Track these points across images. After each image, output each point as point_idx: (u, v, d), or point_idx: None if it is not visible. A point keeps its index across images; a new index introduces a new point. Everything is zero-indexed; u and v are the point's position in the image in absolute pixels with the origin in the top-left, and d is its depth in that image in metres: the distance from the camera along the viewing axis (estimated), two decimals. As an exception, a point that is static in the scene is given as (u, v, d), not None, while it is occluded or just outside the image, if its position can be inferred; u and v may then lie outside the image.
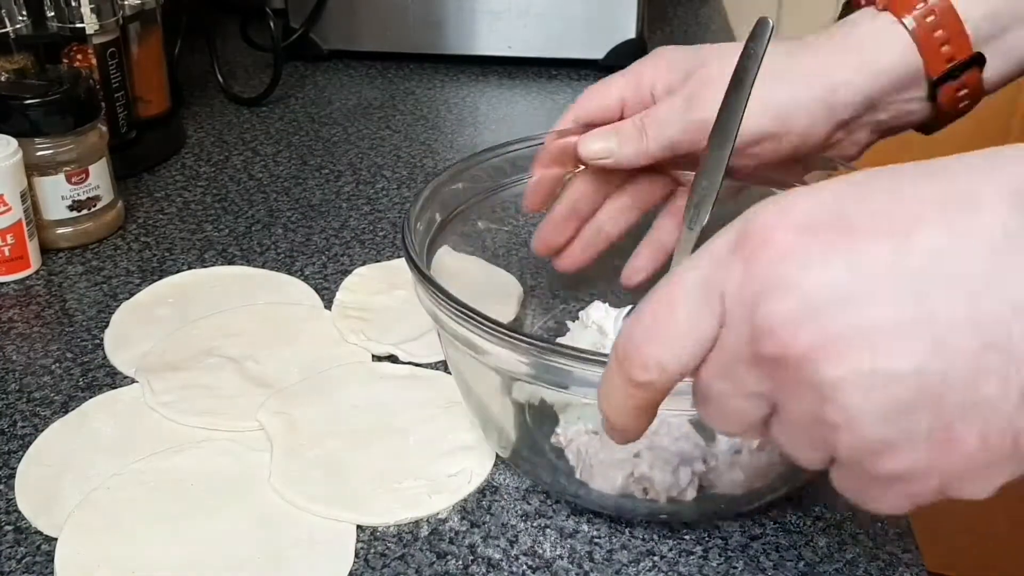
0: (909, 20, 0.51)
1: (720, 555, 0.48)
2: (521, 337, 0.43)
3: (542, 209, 0.57)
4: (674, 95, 0.52)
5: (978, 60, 0.52)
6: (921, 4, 0.51)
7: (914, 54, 0.51)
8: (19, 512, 0.51)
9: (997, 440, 0.28)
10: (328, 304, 0.68)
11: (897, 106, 0.53)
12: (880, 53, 0.52)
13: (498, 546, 0.49)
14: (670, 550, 0.49)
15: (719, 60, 0.50)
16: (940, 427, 0.28)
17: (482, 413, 0.52)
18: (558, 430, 0.51)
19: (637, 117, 0.51)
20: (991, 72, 0.52)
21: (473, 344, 0.45)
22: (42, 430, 0.56)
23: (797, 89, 0.51)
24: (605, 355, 0.43)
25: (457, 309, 0.44)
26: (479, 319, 0.43)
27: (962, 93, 0.53)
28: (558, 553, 0.48)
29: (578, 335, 0.55)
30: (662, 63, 0.52)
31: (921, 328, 0.27)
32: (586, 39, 1.05)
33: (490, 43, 1.07)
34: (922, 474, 0.30)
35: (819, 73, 0.52)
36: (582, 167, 0.56)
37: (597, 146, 0.53)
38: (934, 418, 0.28)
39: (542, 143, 0.57)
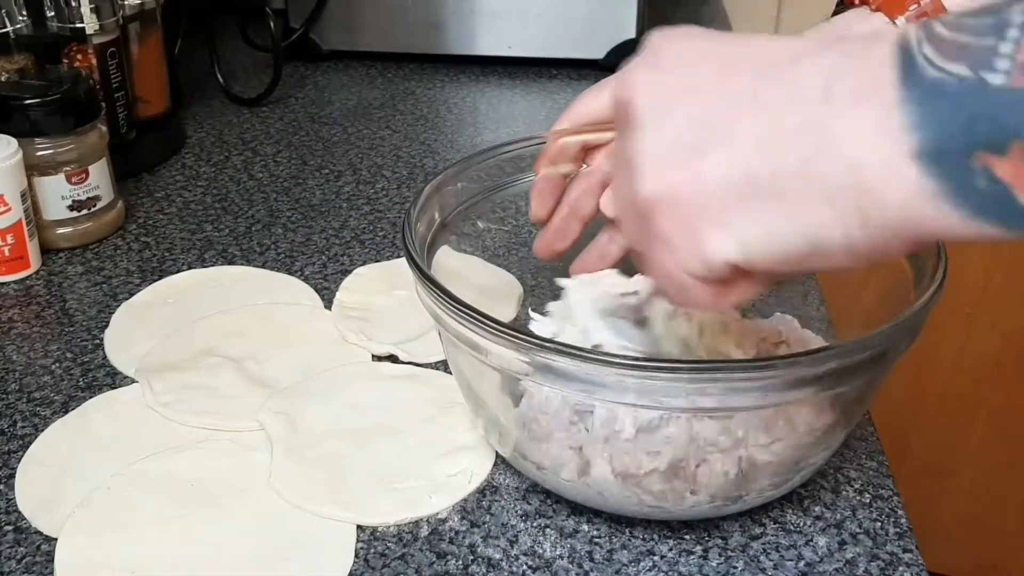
0: (902, 21, 0.51)
1: (720, 555, 0.48)
2: (523, 336, 0.43)
3: (549, 218, 0.56)
4: None
5: None
6: (914, 5, 0.50)
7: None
8: (19, 512, 0.51)
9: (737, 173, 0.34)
10: (328, 304, 0.68)
11: None
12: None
13: (498, 546, 0.49)
14: (670, 550, 0.49)
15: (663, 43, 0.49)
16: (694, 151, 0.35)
17: (483, 412, 0.52)
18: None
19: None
20: None
21: (475, 344, 0.45)
22: (42, 430, 0.56)
23: None
24: (607, 354, 0.43)
25: (459, 309, 0.44)
26: (481, 319, 0.43)
27: None
28: (558, 553, 0.48)
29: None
30: None
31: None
32: (586, 39, 1.05)
33: (490, 43, 1.07)
34: (678, 205, 0.35)
35: None
36: (584, 166, 0.55)
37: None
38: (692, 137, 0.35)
39: (543, 142, 0.57)
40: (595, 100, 0.53)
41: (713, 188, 0.35)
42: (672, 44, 0.38)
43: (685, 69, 0.37)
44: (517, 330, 0.43)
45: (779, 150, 0.33)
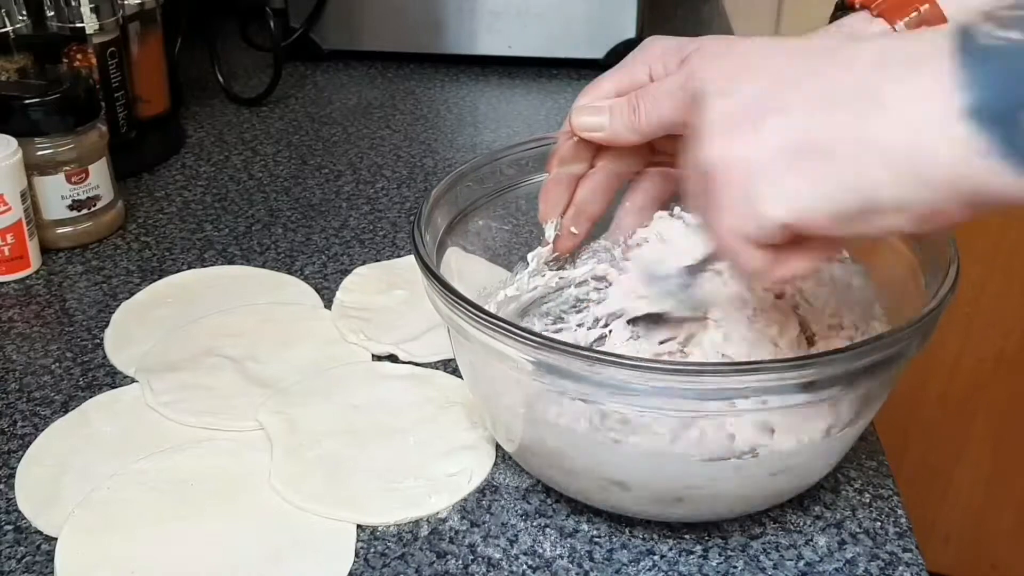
0: (901, 27, 0.51)
1: (720, 555, 0.48)
2: (554, 343, 0.42)
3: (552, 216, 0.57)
4: (670, 76, 0.51)
5: None
6: (914, 12, 0.51)
7: None
8: (19, 512, 0.51)
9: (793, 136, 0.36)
10: (328, 304, 0.68)
11: None
12: None
13: (498, 545, 0.49)
14: (670, 549, 0.49)
15: (715, 43, 0.50)
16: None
17: (492, 407, 0.52)
18: None
19: (632, 94, 0.51)
20: None
21: (501, 353, 0.44)
22: (42, 430, 0.56)
23: None
24: (630, 357, 0.43)
25: (479, 316, 0.44)
26: (507, 327, 0.43)
27: None
28: (558, 552, 0.48)
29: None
30: (656, 50, 0.52)
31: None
32: (586, 39, 1.05)
33: (490, 43, 1.07)
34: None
35: None
36: (591, 169, 0.56)
37: (590, 120, 0.53)
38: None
39: (542, 145, 0.57)
40: (597, 92, 0.53)
41: (770, 151, 0.36)
42: (721, 40, 0.43)
43: (743, 52, 0.40)
44: (548, 338, 0.43)
45: (834, 112, 0.35)
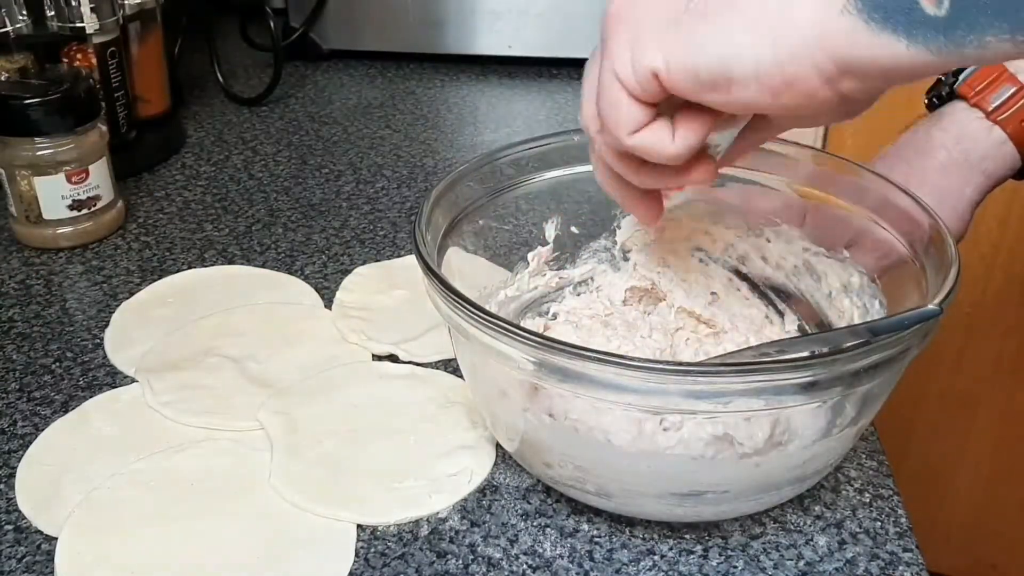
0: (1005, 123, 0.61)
1: (720, 554, 0.48)
2: (555, 344, 0.42)
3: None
4: None
5: None
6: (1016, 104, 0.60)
7: (1015, 155, 0.63)
8: (19, 512, 0.51)
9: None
10: (328, 304, 0.68)
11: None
12: (993, 164, 0.63)
13: (498, 545, 0.49)
14: (670, 549, 0.49)
15: None
16: None
17: (492, 407, 0.52)
18: None
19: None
20: None
21: (502, 353, 0.44)
22: (42, 430, 0.56)
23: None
24: (631, 358, 0.43)
25: (480, 316, 0.44)
26: (507, 327, 0.43)
27: None
28: (558, 552, 0.48)
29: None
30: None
31: None
32: (586, 39, 1.04)
33: (490, 43, 1.07)
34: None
35: (948, 192, 0.63)
36: None
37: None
38: None
39: (541, 145, 0.57)
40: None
41: (657, 9, 0.39)
42: None
43: None
44: (548, 339, 0.43)
45: None
